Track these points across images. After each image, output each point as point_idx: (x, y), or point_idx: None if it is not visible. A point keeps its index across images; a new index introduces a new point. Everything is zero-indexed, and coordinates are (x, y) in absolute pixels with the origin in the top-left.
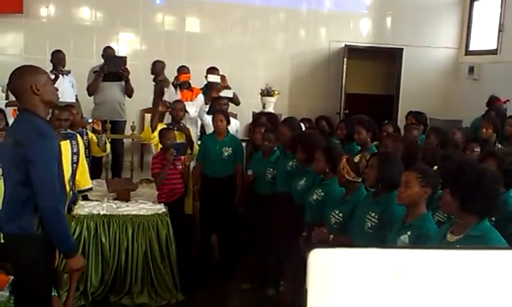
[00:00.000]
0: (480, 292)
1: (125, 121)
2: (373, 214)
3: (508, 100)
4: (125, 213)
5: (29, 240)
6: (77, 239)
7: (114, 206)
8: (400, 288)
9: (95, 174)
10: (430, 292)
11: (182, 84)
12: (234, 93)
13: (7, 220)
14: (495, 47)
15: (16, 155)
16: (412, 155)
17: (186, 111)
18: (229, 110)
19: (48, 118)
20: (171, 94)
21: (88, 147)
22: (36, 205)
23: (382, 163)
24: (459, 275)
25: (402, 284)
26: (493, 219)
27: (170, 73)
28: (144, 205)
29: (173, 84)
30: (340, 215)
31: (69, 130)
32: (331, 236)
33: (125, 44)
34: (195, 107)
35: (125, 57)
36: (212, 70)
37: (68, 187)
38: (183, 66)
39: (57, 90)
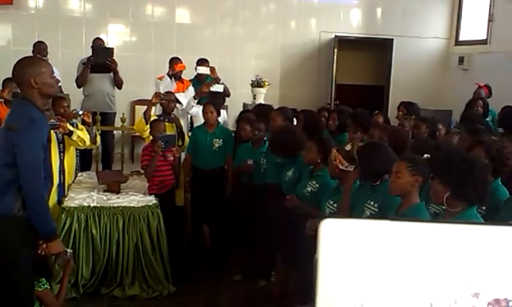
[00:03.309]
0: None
1: (115, 113)
2: (372, 203)
3: (483, 86)
4: (115, 205)
5: (10, 221)
6: (67, 231)
7: (104, 198)
8: (409, 260)
9: (85, 166)
10: (437, 265)
11: (176, 75)
12: (225, 86)
13: None
14: (484, 37)
15: (6, 138)
16: (399, 144)
17: (180, 103)
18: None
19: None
20: (167, 85)
21: (62, 142)
22: (20, 187)
23: (366, 155)
24: (463, 248)
25: (410, 256)
26: (483, 208)
27: (161, 65)
28: (135, 197)
29: (168, 74)
30: (335, 205)
31: (51, 121)
32: None
33: (115, 36)
34: (186, 98)
35: (112, 48)
36: (201, 62)
37: (56, 177)
38: (177, 58)
39: (59, 81)
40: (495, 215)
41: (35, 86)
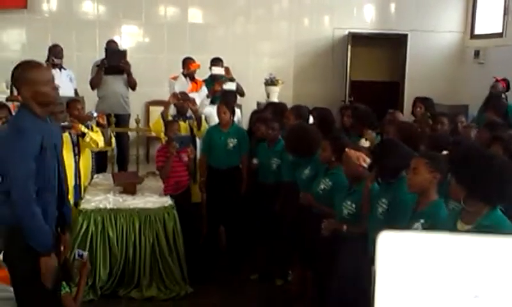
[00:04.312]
0: None
1: (129, 115)
2: (383, 200)
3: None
4: (131, 206)
5: (9, 231)
6: (84, 233)
7: (120, 200)
8: (464, 274)
9: (100, 168)
10: (489, 279)
11: (190, 75)
12: (238, 84)
13: None
14: (500, 31)
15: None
16: (412, 140)
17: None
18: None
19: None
20: (182, 85)
21: (77, 144)
22: None
23: (383, 153)
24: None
25: (465, 270)
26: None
27: (174, 66)
28: (151, 198)
29: (183, 74)
30: (353, 205)
31: (64, 123)
32: (345, 226)
33: (128, 37)
34: (200, 98)
35: (125, 50)
36: (216, 62)
37: (72, 179)
38: (190, 58)
39: (58, 88)
40: None
41: (28, 94)
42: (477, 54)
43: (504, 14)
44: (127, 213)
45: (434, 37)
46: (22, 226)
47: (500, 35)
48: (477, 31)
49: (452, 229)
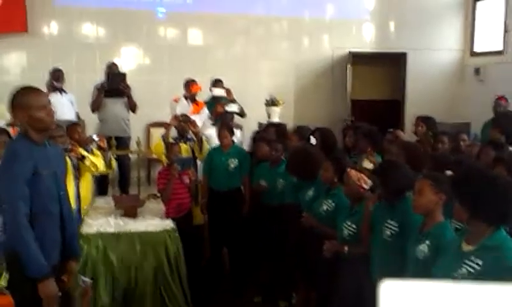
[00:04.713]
0: None
1: (130, 137)
2: (392, 222)
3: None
4: (133, 230)
5: (9, 257)
6: (85, 258)
7: (121, 223)
8: None
9: (101, 191)
10: None
11: (191, 97)
12: (240, 106)
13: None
14: (500, 48)
15: None
16: (417, 160)
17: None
18: (234, 122)
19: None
20: (183, 107)
21: (77, 168)
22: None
23: (387, 173)
24: None
25: None
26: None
27: (175, 87)
28: (152, 221)
29: (184, 96)
30: (354, 226)
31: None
32: (346, 247)
33: (128, 59)
34: (201, 120)
35: (125, 73)
36: (216, 83)
37: (73, 203)
38: (192, 80)
39: (55, 112)
40: None
41: (23, 120)
42: (477, 71)
43: (504, 31)
44: (128, 237)
45: (433, 55)
46: (18, 251)
47: (500, 53)
48: (476, 49)
49: (457, 250)
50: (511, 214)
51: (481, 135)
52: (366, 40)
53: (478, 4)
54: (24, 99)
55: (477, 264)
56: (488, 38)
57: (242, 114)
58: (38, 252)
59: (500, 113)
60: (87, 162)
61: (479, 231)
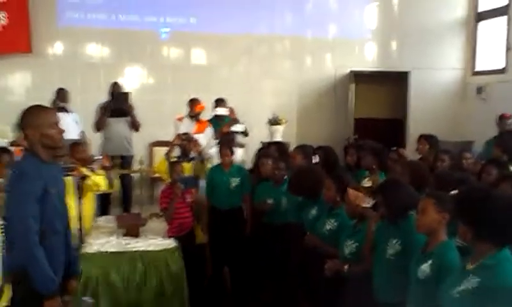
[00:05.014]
0: None
1: (133, 156)
2: (395, 241)
3: (506, 116)
4: (134, 249)
5: (15, 276)
6: (86, 278)
7: (123, 242)
8: None
9: (103, 210)
10: None
11: (195, 116)
12: (244, 126)
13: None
14: (502, 66)
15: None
16: (420, 179)
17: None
18: (237, 141)
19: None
20: (187, 126)
21: (79, 187)
22: None
23: (390, 193)
24: None
25: None
26: None
27: (178, 106)
28: (154, 240)
29: (188, 115)
30: (355, 245)
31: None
32: (346, 266)
33: (132, 79)
34: (206, 139)
35: (128, 92)
36: (219, 102)
37: (75, 222)
38: (196, 99)
39: (63, 132)
40: None
41: (34, 137)
42: (479, 90)
43: (507, 49)
44: (130, 257)
45: (435, 74)
46: (25, 268)
47: (502, 71)
48: (478, 68)
49: (462, 269)
50: None
51: (483, 154)
52: (368, 59)
53: (480, 23)
54: (35, 117)
55: (474, 281)
56: (490, 57)
57: (245, 133)
58: (49, 270)
59: (503, 132)
60: (89, 182)
61: (482, 250)
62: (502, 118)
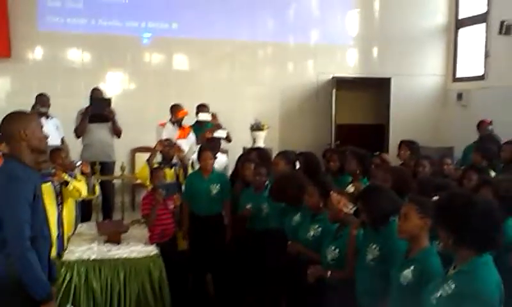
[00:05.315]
0: None
1: (114, 162)
2: (374, 246)
3: (487, 122)
4: (116, 256)
5: (3, 285)
6: (67, 285)
7: (105, 249)
8: None
9: (85, 217)
10: None
11: (178, 121)
12: (227, 131)
13: None
14: (482, 73)
15: None
16: (403, 185)
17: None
18: (220, 147)
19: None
20: (170, 132)
21: (60, 193)
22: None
23: (372, 198)
24: None
25: None
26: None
27: (160, 112)
28: (136, 247)
29: (171, 121)
30: (337, 250)
31: (46, 171)
32: (329, 272)
33: (114, 84)
34: (188, 145)
35: (110, 98)
36: (201, 108)
37: (55, 231)
38: (178, 104)
39: (47, 138)
40: (503, 256)
41: (24, 138)
42: (459, 96)
43: (485, 57)
44: (111, 264)
45: (416, 80)
46: (21, 275)
47: (482, 78)
48: (459, 74)
49: (444, 275)
50: (493, 239)
51: (463, 160)
52: (350, 66)
53: (460, 30)
54: (22, 121)
55: (451, 287)
56: (470, 64)
57: (228, 138)
58: (42, 274)
59: (483, 137)
60: (70, 187)
61: (463, 256)
62: (481, 124)
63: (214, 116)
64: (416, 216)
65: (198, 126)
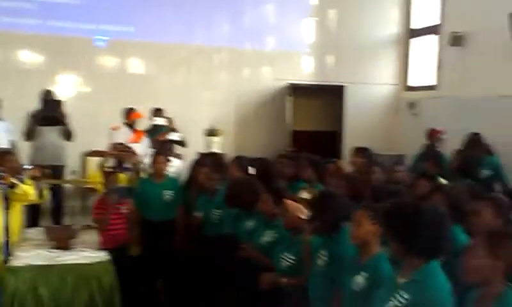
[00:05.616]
0: None
1: (64, 166)
2: (323, 252)
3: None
4: (65, 262)
5: None
6: (13, 293)
7: (53, 255)
8: None
9: (33, 222)
10: None
11: (132, 125)
12: (182, 136)
13: None
14: (434, 83)
15: None
16: (358, 192)
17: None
18: (175, 152)
19: None
20: (123, 135)
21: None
22: None
23: (323, 205)
24: None
25: None
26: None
27: (114, 116)
28: (86, 253)
29: (125, 124)
30: (293, 258)
31: None
32: (284, 279)
33: (67, 87)
34: (142, 149)
35: (61, 100)
36: (157, 112)
37: (1, 237)
38: (132, 108)
39: None
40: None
41: None
42: (411, 105)
43: (438, 67)
44: (59, 270)
45: (370, 89)
46: None
47: (433, 87)
48: (411, 84)
49: (392, 282)
50: (443, 247)
51: (413, 167)
52: (306, 73)
53: (412, 40)
54: None
55: (404, 298)
56: (422, 74)
57: (183, 143)
58: None
59: (429, 146)
60: (18, 191)
61: (412, 264)
62: (431, 132)
63: (170, 120)
64: (368, 222)
65: (153, 131)
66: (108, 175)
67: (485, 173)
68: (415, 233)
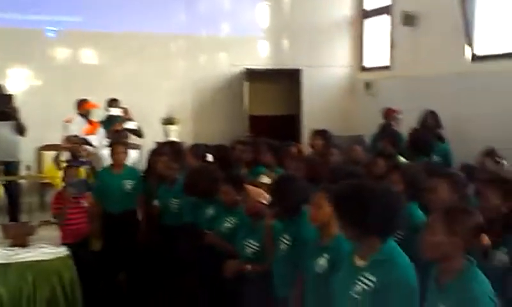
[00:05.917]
0: None
1: (19, 161)
2: (286, 236)
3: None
4: (23, 260)
5: None
6: None
7: (10, 253)
8: None
9: None
10: None
11: (86, 115)
12: (138, 126)
13: None
14: (388, 63)
15: None
16: (317, 174)
17: (91, 145)
18: (132, 142)
19: None
20: (78, 126)
21: None
22: None
23: (283, 189)
24: None
25: None
26: (401, 234)
27: (68, 108)
28: (45, 249)
29: (80, 114)
30: (256, 244)
31: None
32: (249, 266)
33: (18, 80)
34: (98, 140)
35: (11, 94)
36: (113, 102)
37: None
38: (85, 99)
39: None
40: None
41: None
42: (367, 86)
43: (391, 47)
44: (18, 268)
45: (326, 71)
46: None
47: (388, 68)
48: (367, 65)
49: (350, 265)
50: (396, 224)
51: (371, 147)
52: (262, 57)
53: (365, 21)
54: None
55: (371, 281)
56: (377, 54)
57: (139, 133)
58: None
59: (386, 125)
60: None
61: (369, 244)
62: (387, 112)
63: (125, 110)
64: (327, 204)
65: (108, 122)
66: (67, 169)
67: (435, 159)
68: (367, 214)
